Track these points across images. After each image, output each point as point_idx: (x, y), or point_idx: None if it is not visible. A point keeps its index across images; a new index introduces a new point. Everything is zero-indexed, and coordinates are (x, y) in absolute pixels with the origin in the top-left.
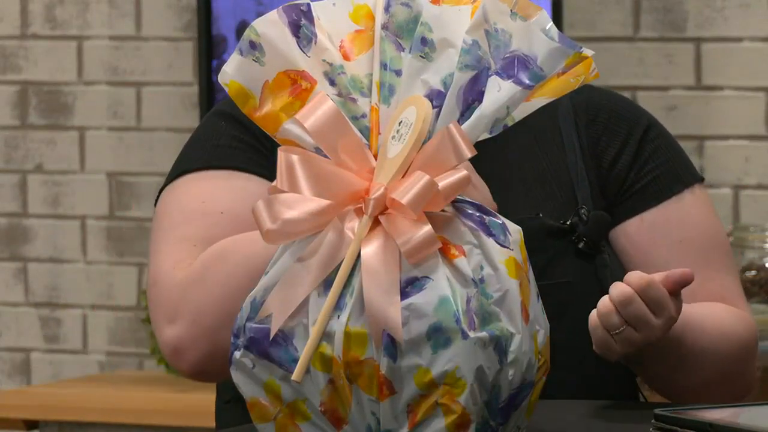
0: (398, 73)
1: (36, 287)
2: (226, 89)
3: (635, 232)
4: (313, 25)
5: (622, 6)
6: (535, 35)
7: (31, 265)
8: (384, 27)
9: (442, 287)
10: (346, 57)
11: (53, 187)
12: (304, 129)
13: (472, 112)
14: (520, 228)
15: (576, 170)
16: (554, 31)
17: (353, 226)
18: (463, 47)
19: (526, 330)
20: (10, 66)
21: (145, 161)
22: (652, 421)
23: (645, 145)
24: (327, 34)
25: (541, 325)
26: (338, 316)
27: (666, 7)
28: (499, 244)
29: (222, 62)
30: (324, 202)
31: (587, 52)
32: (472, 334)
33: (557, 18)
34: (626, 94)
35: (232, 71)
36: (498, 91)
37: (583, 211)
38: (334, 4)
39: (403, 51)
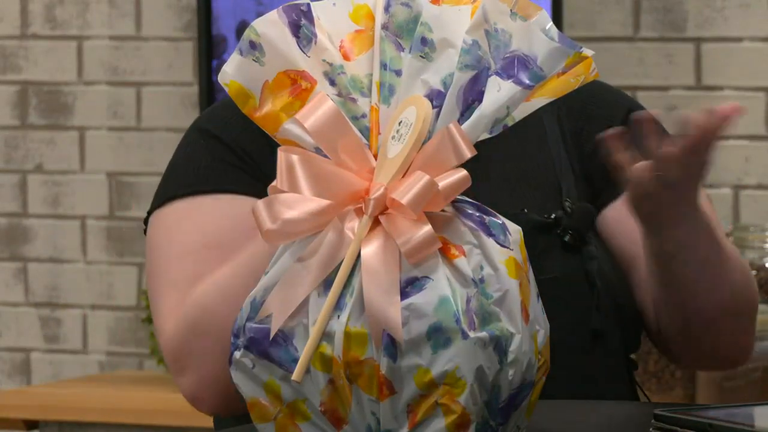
0: (398, 73)
1: (36, 287)
2: (226, 89)
3: (618, 215)
4: (313, 25)
5: (622, 6)
6: (535, 35)
7: (31, 265)
8: (384, 27)
9: (442, 287)
10: (346, 57)
11: (53, 187)
12: (304, 129)
13: (472, 112)
14: (519, 228)
15: (560, 162)
16: (554, 31)
17: (353, 226)
18: (463, 47)
19: (526, 330)
20: (10, 66)
21: (145, 161)
22: (652, 421)
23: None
24: (327, 34)
25: (541, 325)
26: (338, 316)
27: (666, 7)
28: (499, 244)
29: (222, 62)
30: (324, 202)
31: (587, 52)
32: (472, 334)
33: (557, 18)
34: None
35: (232, 71)
36: (498, 91)
37: (567, 203)
38: (334, 4)
39: (403, 51)
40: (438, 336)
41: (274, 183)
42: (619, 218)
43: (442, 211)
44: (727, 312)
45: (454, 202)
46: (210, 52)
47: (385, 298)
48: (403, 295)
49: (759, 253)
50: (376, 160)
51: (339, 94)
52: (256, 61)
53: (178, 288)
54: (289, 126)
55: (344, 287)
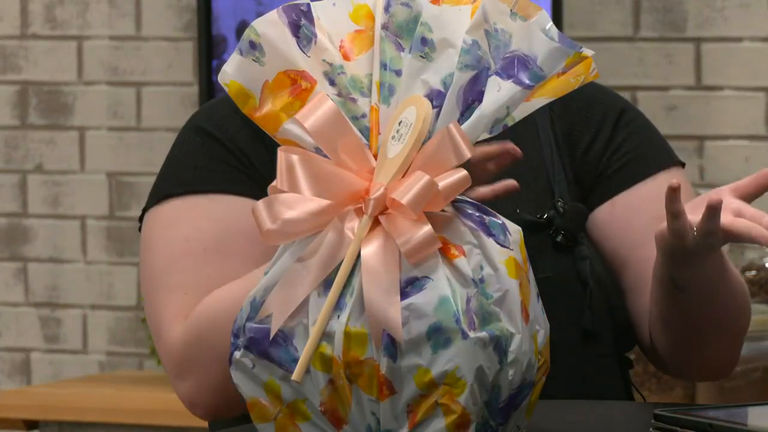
0: (398, 73)
1: (36, 287)
2: (226, 89)
3: (608, 216)
4: (313, 25)
5: (622, 6)
6: (535, 35)
7: (31, 265)
8: (384, 27)
9: (442, 287)
10: (346, 57)
11: (53, 187)
12: (304, 129)
13: (472, 112)
14: (519, 228)
15: (552, 163)
16: (554, 31)
17: (353, 226)
18: (463, 47)
19: (526, 330)
20: (10, 66)
21: (145, 161)
22: (652, 421)
23: (619, 130)
24: (327, 34)
25: (541, 325)
26: (338, 316)
27: (666, 7)
28: (499, 244)
29: (222, 62)
30: (324, 202)
31: (587, 52)
32: (472, 334)
33: (557, 18)
34: (626, 94)
35: (232, 71)
36: (498, 91)
37: (559, 204)
38: (334, 4)
39: (403, 51)
40: (438, 336)
41: (274, 183)
42: (609, 221)
43: (442, 211)
44: (724, 332)
45: (454, 202)
46: (210, 52)
47: (385, 298)
48: (403, 295)
49: (759, 253)
50: (376, 160)
51: (339, 94)
52: (256, 61)
53: (182, 292)
54: (289, 126)
55: (344, 287)
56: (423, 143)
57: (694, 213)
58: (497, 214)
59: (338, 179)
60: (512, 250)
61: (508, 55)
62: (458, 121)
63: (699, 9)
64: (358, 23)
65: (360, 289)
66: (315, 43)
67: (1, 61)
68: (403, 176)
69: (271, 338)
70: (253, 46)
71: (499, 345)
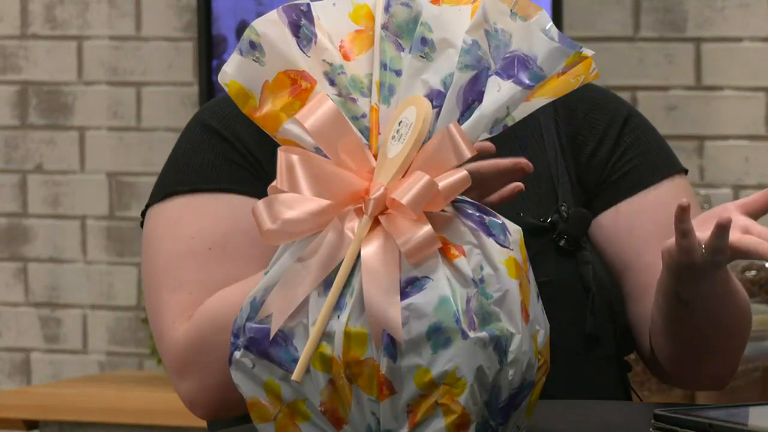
0: (398, 73)
1: (36, 287)
2: (226, 89)
3: (611, 223)
4: (313, 25)
5: (622, 6)
6: (535, 35)
7: (31, 265)
8: (384, 27)
9: (442, 287)
10: (346, 57)
11: (53, 187)
12: (304, 129)
13: (472, 112)
14: (520, 228)
15: (556, 167)
16: (554, 31)
17: (353, 226)
18: (463, 47)
19: (526, 330)
20: (10, 66)
21: (145, 161)
22: (652, 421)
23: (624, 136)
24: (327, 34)
25: (541, 325)
26: (338, 316)
27: (666, 7)
28: (499, 244)
29: (222, 62)
30: (324, 202)
31: (587, 52)
32: (472, 334)
33: (557, 18)
34: (626, 94)
35: (232, 71)
36: (498, 91)
37: (563, 208)
38: (334, 4)
39: (403, 51)
40: (438, 336)
41: (274, 183)
42: (613, 226)
43: (442, 211)
44: (725, 344)
45: (454, 202)
46: (210, 52)
47: (385, 298)
48: (403, 295)
49: None
50: (376, 160)
51: (339, 94)
52: (256, 61)
53: (186, 291)
54: (289, 126)
55: (344, 287)
56: (423, 143)
57: (701, 229)
58: (497, 214)
59: (338, 179)
60: (512, 250)
61: (508, 55)
62: (458, 121)
63: (699, 9)
64: (358, 23)
65: (360, 289)
66: (315, 43)
67: (1, 61)
68: (403, 176)
69: (271, 338)
70: (253, 46)
71: (499, 345)
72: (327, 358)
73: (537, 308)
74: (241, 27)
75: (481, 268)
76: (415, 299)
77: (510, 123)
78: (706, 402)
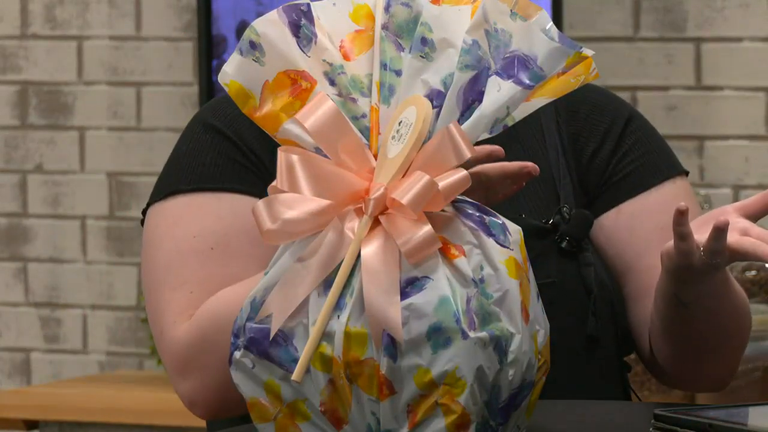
0: (398, 73)
1: (36, 287)
2: (226, 89)
3: (612, 224)
4: (313, 25)
5: (622, 6)
6: (535, 35)
7: (31, 265)
8: (384, 27)
9: (442, 287)
10: (346, 57)
11: (53, 187)
12: (304, 129)
13: (472, 112)
14: (520, 228)
15: (558, 168)
16: (554, 31)
17: (353, 226)
18: (463, 47)
19: (526, 330)
20: (10, 66)
21: (145, 161)
22: (652, 421)
23: (625, 137)
24: (327, 34)
25: (541, 325)
26: (338, 316)
27: (666, 7)
28: (499, 244)
29: (222, 62)
30: (324, 202)
31: (587, 52)
32: (472, 334)
33: (557, 18)
34: (626, 94)
35: (232, 71)
36: (498, 91)
37: (565, 209)
38: (334, 4)
39: (403, 51)
40: (438, 336)
41: (274, 183)
42: (613, 227)
43: (442, 211)
44: (725, 346)
45: (454, 202)
46: (210, 52)
47: (385, 298)
48: (403, 295)
49: None
50: (376, 160)
51: (339, 94)
52: (256, 61)
53: (187, 290)
54: (289, 126)
55: (344, 287)
56: (423, 143)
57: (699, 232)
58: (497, 214)
59: (338, 179)
60: (512, 250)
61: (508, 55)
62: (458, 121)
63: (699, 9)
64: (359, 23)
65: (360, 289)
66: (315, 43)
67: (1, 61)
68: (403, 176)
69: (271, 338)
70: (253, 46)
71: (499, 345)
72: (327, 358)
73: (537, 308)
74: (241, 27)
75: (481, 268)
76: (415, 299)
77: (510, 123)
78: (706, 402)
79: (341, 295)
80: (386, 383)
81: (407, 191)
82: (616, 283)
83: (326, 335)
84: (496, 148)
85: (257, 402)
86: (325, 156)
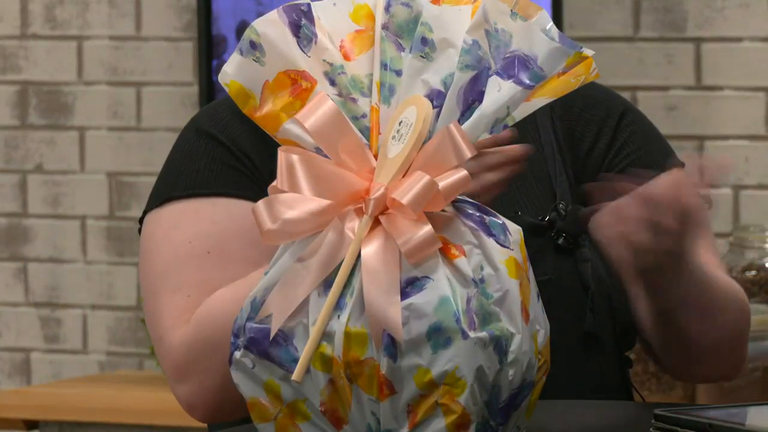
0: (398, 73)
1: (36, 287)
2: (226, 89)
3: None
4: (314, 25)
5: (622, 6)
6: (536, 35)
7: (31, 265)
8: (384, 27)
9: (442, 287)
10: (346, 57)
11: (53, 187)
12: (304, 129)
13: (473, 112)
14: (520, 228)
15: (554, 165)
16: (554, 31)
17: (353, 226)
18: (463, 47)
19: (526, 330)
20: (10, 66)
21: (145, 161)
22: (652, 421)
23: (620, 131)
24: (327, 34)
25: (541, 325)
26: (338, 316)
27: (666, 7)
28: (499, 244)
29: (222, 62)
30: (324, 202)
31: (587, 52)
32: (472, 334)
33: (557, 18)
34: (626, 94)
35: (232, 71)
36: (498, 91)
37: (561, 206)
38: (334, 4)
39: (404, 51)
40: (438, 336)
41: (274, 183)
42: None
43: (443, 211)
44: (724, 340)
45: (454, 202)
46: (210, 52)
47: (385, 298)
48: (403, 295)
49: (759, 253)
50: (376, 160)
51: (339, 94)
52: (256, 61)
53: (184, 294)
54: (289, 126)
55: (344, 287)
56: (423, 143)
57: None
58: (497, 214)
59: (338, 179)
60: (512, 250)
61: (508, 55)
62: (458, 121)
63: (699, 9)
64: (359, 23)
65: (360, 289)
66: (315, 43)
67: (1, 61)
68: (403, 176)
69: (271, 338)
70: (253, 46)
71: (499, 345)
72: (327, 358)
73: (537, 308)
74: (241, 27)
75: (482, 268)
76: (415, 299)
77: (510, 123)
78: (706, 402)
79: (341, 295)
80: (386, 383)
81: (407, 191)
82: (616, 279)
83: (326, 335)
84: (506, 133)
85: (257, 402)
86: (326, 156)
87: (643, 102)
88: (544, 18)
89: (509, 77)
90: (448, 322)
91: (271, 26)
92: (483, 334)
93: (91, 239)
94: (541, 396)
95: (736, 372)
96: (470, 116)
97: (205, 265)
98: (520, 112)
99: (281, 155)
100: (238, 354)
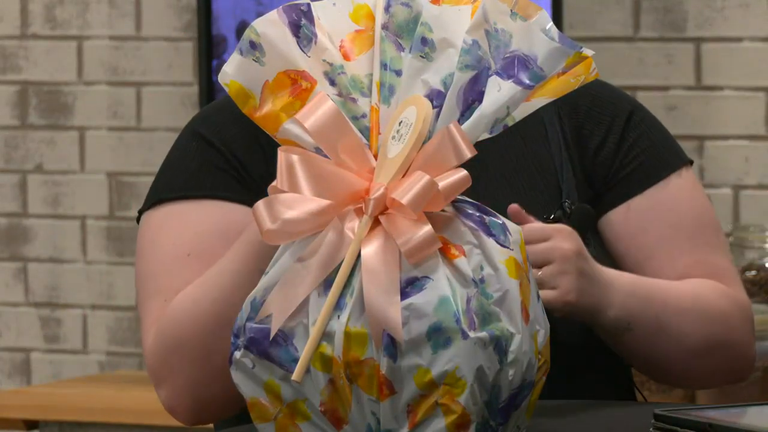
0: (398, 73)
1: (36, 287)
2: (226, 89)
3: (622, 220)
4: (313, 25)
5: (622, 6)
6: (535, 35)
7: (31, 265)
8: (384, 27)
9: (442, 287)
10: (346, 57)
11: (53, 187)
12: (304, 129)
13: (472, 112)
14: (520, 228)
15: (560, 162)
16: (554, 31)
17: (353, 226)
18: (463, 47)
19: (526, 330)
20: (10, 66)
21: (145, 161)
22: (652, 421)
23: (629, 131)
24: (327, 34)
25: (541, 325)
26: (338, 316)
27: (666, 7)
28: (499, 244)
29: (222, 62)
30: (324, 202)
31: (587, 52)
32: (472, 334)
33: (557, 18)
34: None
35: (232, 71)
36: (498, 91)
37: (567, 204)
38: (334, 4)
39: (403, 51)
40: (438, 336)
41: (274, 183)
42: (623, 222)
43: (442, 211)
44: (703, 351)
45: (454, 202)
46: (210, 52)
47: (385, 298)
48: (403, 295)
49: (759, 253)
50: (376, 160)
51: (339, 94)
52: (256, 61)
53: (161, 298)
54: (289, 126)
55: (344, 287)
56: (423, 143)
57: None
58: (497, 214)
59: (338, 179)
60: (512, 250)
61: (508, 55)
62: (458, 121)
63: (699, 9)
64: (359, 23)
65: (360, 289)
66: (315, 43)
67: (1, 61)
68: (403, 176)
69: (271, 338)
70: (253, 46)
71: (499, 345)
72: (327, 358)
73: (537, 308)
74: (241, 27)
75: (481, 268)
76: (415, 299)
77: (510, 123)
78: (706, 402)
79: (341, 295)
80: (386, 383)
81: (407, 191)
82: None
83: (326, 335)
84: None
85: (257, 402)
86: (325, 156)
87: (643, 102)
88: (543, 18)
89: (509, 77)
90: (448, 322)
91: (271, 26)
92: (483, 334)
93: (91, 239)
94: (544, 395)
95: (741, 375)
96: (470, 116)
97: (184, 268)
98: (520, 112)
99: (281, 155)
100: (238, 354)
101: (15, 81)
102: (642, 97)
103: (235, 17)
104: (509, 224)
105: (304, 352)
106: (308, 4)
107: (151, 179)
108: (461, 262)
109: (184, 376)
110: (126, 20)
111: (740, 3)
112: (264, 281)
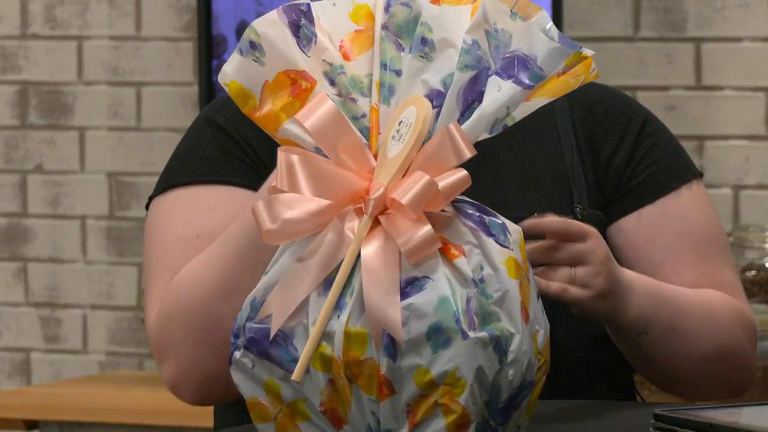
0: (398, 73)
1: (36, 287)
2: (226, 89)
3: (633, 228)
4: (313, 25)
5: (622, 6)
6: (535, 35)
7: (31, 265)
8: (384, 27)
9: (442, 287)
10: (346, 57)
11: (53, 187)
12: (304, 129)
13: (472, 112)
14: (520, 228)
15: (572, 168)
16: (554, 31)
17: (353, 226)
18: (463, 47)
19: (526, 330)
20: (10, 66)
21: (145, 161)
22: (652, 421)
23: (642, 140)
24: (327, 34)
25: (541, 325)
26: (338, 316)
27: (666, 7)
28: (499, 244)
29: (222, 62)
30: (324, 202)
31: (587, 52)
32: (472, 334)
33: (557, 18)
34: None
35: (232, 71)
36: (498, 91)
37: (578, 209)
38: (334, 4)
39: (403, 51)
40: (438, 336)
41: (274, 183)
42: (634, 231)
43: (442, 211)
44: (714, 358)
45: (454, 202)
46: (210, 52)
47: (385, 298)
48: (403, 295)
49: (759, 253)
50: (376, 160)
51: (339, 94)
52: (256, 61)
53: (168, 277)
54: (289, 126)
55: (344, 287)
56: (423, 143)
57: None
58: (497, 214)
59: (338, 179)
60: (512, 250)
61: (508, 55)
62: (458, 121)
63: (699, 9)
64: (358, 23)
65: (360, 289)
66: (315, 43)
67: (1, 61)
68: (403, 176)
69: (271, 338)
70: (253, 46)
71: (499, 345)
72: (327, 358)
73: (537, 308)
74: (241, 27)
75: (481, 268)
76: (415, 299)
77: (510, 123)
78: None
79: (341, 295)
80: (386, 383)
81: (407, 191)
82: None
83: (326, 335)
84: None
85: (257, 402)
86: (325, 156)
87: (643, 102)
88: (543, 18)
89: (509, 77)
90: (447, 322)
91: (271, 26)
92: (483, 334)
93: (91, 239)
94: (545, 397)
95: (743, 386)
96: (470, 116)
97: (191, 249)
98: (520, 112)
99: (281, 155)
100: (238, 354)
101: (15, 81)
102: (642, 97)
103: (235, 17)
104: (509, 224)
105: (304, 352)
106: (308, 4)
107: (151, 179)
108: (461, 262)
109: (187, 348)
110: (126, 20)
111: (740, 3)
112: (264, 281)
